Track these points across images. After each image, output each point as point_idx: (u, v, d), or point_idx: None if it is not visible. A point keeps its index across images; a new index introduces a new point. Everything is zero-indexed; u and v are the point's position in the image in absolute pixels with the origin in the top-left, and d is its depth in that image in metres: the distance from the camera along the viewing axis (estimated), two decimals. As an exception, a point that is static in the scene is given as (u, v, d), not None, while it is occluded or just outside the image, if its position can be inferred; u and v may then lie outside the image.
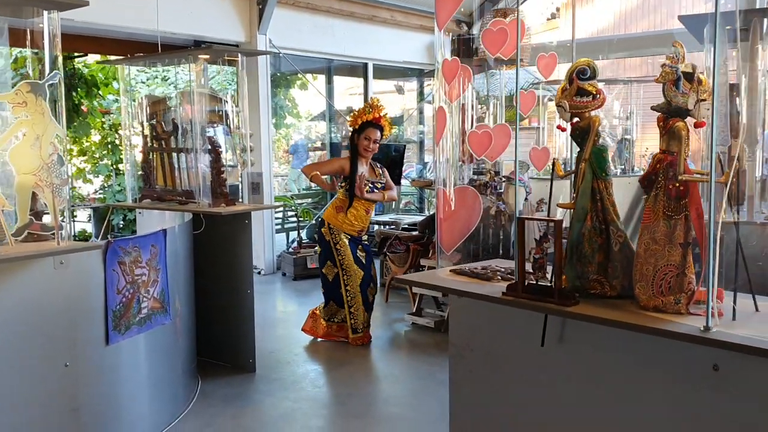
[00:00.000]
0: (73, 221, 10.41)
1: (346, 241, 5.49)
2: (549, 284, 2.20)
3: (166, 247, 4.03)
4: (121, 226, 10.16)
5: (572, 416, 2.35)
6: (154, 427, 4.01)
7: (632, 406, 2.19)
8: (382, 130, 5.45)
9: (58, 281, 3.36)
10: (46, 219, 3.25)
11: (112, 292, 3.61)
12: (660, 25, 13.61)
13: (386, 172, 5.75)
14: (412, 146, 11.91)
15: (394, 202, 9.82)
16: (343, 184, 5.55)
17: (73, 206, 10.05)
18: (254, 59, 8.23)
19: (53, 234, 3.16)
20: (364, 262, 5.57)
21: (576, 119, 2.22)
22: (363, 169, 5.49)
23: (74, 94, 8.68)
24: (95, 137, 10.53)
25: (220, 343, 5.18)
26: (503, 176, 5.80)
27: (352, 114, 5.53)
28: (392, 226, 8.40)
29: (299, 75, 10.70)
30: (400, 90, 12.40)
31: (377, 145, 5.48)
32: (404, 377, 5.00)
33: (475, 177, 5.87)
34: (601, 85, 2.23)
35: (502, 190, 5.77)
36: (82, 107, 8.97)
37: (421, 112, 11.96)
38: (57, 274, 3.34)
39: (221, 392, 4.64)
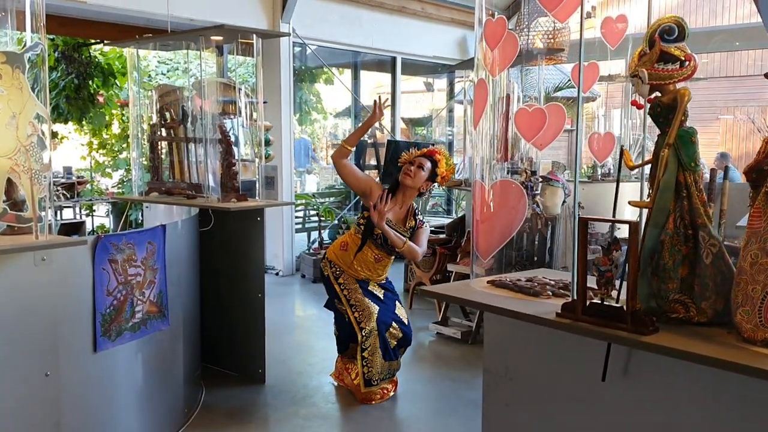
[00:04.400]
0: (92, 216, 10.20)
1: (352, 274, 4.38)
2: (618, 305, 1.73)
3: (166, 245, 3.63)
4: (140, 221, 9.87)
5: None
6: (149, 443, 3.61)
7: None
8: (435, 163, 4.29)
9: (39, 280, 2.97)
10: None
11: (102, 294, 3.21)
12: (702, 24, 13.14)
13: (424, 229, 4.41)
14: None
15: (424, 199, 9.33)
16: (360, 217, 4.41)
17: (90, 200, 9.82)
18: (276, 49, 7.86)
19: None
20: (380, 297, 4.41)
21: (656, 93, 1.76)
22: (394, 210, 4.32)
23: (90, 83, 8.36)
24: (115, 129, 10.26)
25: (227, 351, 4.78)
26: (540, 176, 5.33)
27: (406, 153, 4.39)
28: (418, 229, 7.98)
29: (325, 69, 10.29)
30: (429, 87, 11.95)
31: (424, 176, 4.25)
32: (426, 394, 4.55)
33: (509, 177, 5.41)
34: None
35: (538, 192, 5.30)
36: (99, 97, 8.64)
37: (450, 111, 11.50)
38: (38, 272, 2.96)
39: (226, 405, 4.24)
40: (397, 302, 4.50)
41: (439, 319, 5.86)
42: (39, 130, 2.81)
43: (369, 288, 4.38)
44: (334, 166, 4.42)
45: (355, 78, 10.08)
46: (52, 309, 3.02)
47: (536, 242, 5.27)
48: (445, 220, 8.28)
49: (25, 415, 2.95)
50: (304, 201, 9.06)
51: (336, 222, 8.79)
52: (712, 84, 13.67)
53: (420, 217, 4.44)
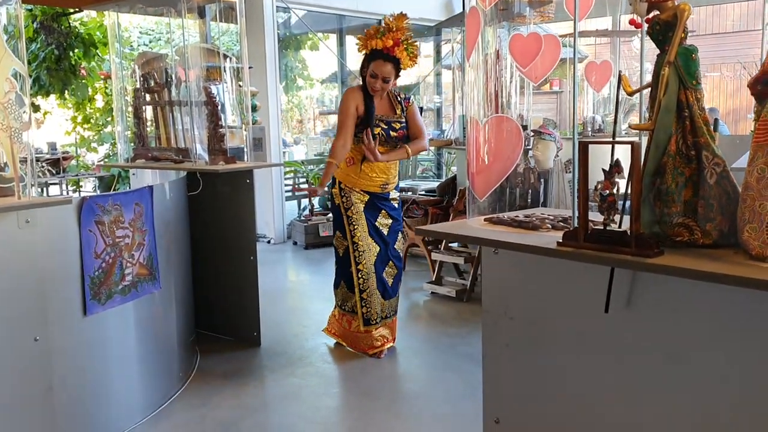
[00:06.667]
0: (79, 191, 10.13)
1: (362, 207, 4.25)
2: (621, 229, 1.68)
3: (154, 207, 3.56)
4: (129, 195, 9.77)
5: (641, 402, 1.85)
6: (144, 407, 3.58)
7: (725, 389, 1.69)
8: (396, 63, 4.09)
9: (25, 242, 2.91)
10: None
11: (89, 256, 3.15)
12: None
13: (413, 109, 4.32)
14: (429, 113, 11.31)
15: (413, 163, 9.21)
16: (356, 132, 4.20)
17: (77, 175, 9.72)
18: (260, 15, 7.74)
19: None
20: (385, 233, 4.33)
21: (654, 12, 1.70)
22: (378, 105, 4.22)
23: (71, 53, 8.19)
24: (99, 104, 10.11)
25: (221, 315, 4.74)
26: (532, 130, 5.27)
27: (359, 36, 4.19)
28: (408, 192, 7.92)
29: (309, 35, 10.14)
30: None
31: (389, 84, 4.13)
32: (423, 351, 4.53)
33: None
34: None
35: (530, 147, 5.25)
36: (81, 69, 8.48)
37: (438, 75, 11.36)
38: (22, 235, 2.89)
39: (222, 368, 4.20)
40: (399, 233, 4.47)
41: (433, 279, 5.84)
42: (17, 87, 2.73)
43: (377, 223, 4.31)
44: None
45: (341, 44, 9.93)
46: (38, 272, 2.96)
47: (529, 198, 5.22)
48: (436, 184, 8.22)
49: (16, 380, 2.91)
50: (293, 168, 8.98)
51: (326, 189, 8.71)
52: (698, 41, 13.53)
53: (403, 95, 4.33)
